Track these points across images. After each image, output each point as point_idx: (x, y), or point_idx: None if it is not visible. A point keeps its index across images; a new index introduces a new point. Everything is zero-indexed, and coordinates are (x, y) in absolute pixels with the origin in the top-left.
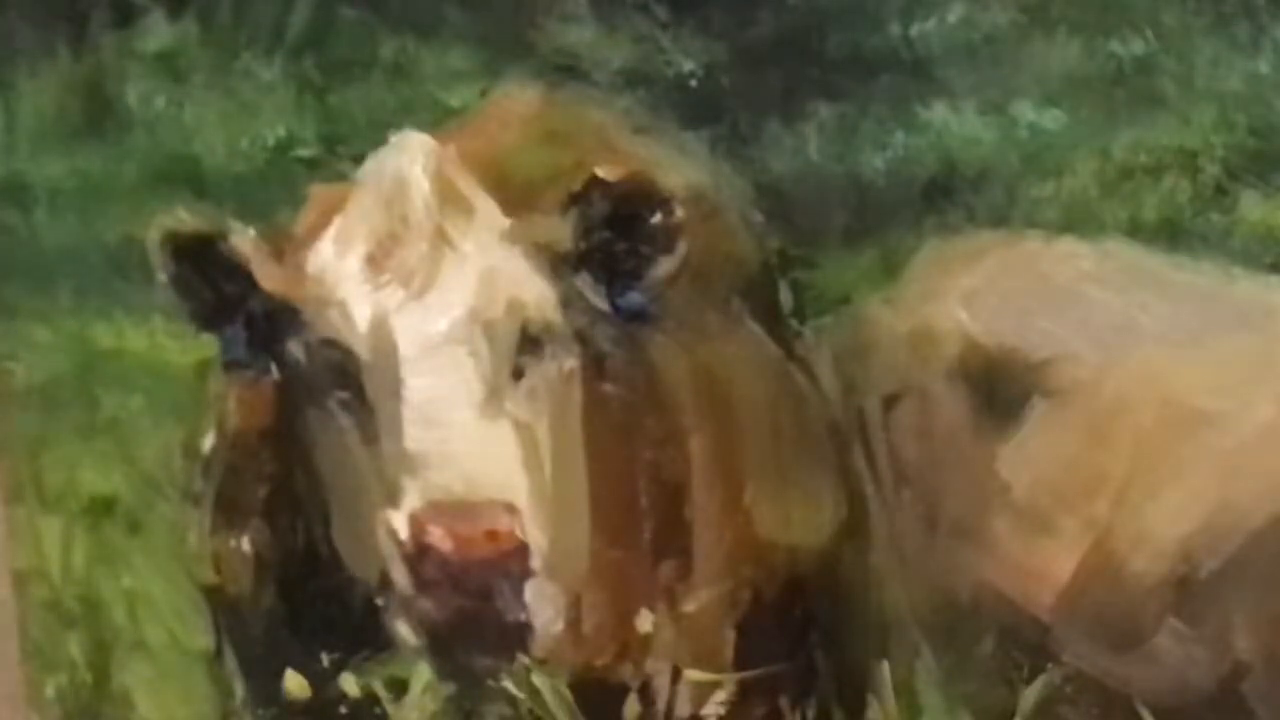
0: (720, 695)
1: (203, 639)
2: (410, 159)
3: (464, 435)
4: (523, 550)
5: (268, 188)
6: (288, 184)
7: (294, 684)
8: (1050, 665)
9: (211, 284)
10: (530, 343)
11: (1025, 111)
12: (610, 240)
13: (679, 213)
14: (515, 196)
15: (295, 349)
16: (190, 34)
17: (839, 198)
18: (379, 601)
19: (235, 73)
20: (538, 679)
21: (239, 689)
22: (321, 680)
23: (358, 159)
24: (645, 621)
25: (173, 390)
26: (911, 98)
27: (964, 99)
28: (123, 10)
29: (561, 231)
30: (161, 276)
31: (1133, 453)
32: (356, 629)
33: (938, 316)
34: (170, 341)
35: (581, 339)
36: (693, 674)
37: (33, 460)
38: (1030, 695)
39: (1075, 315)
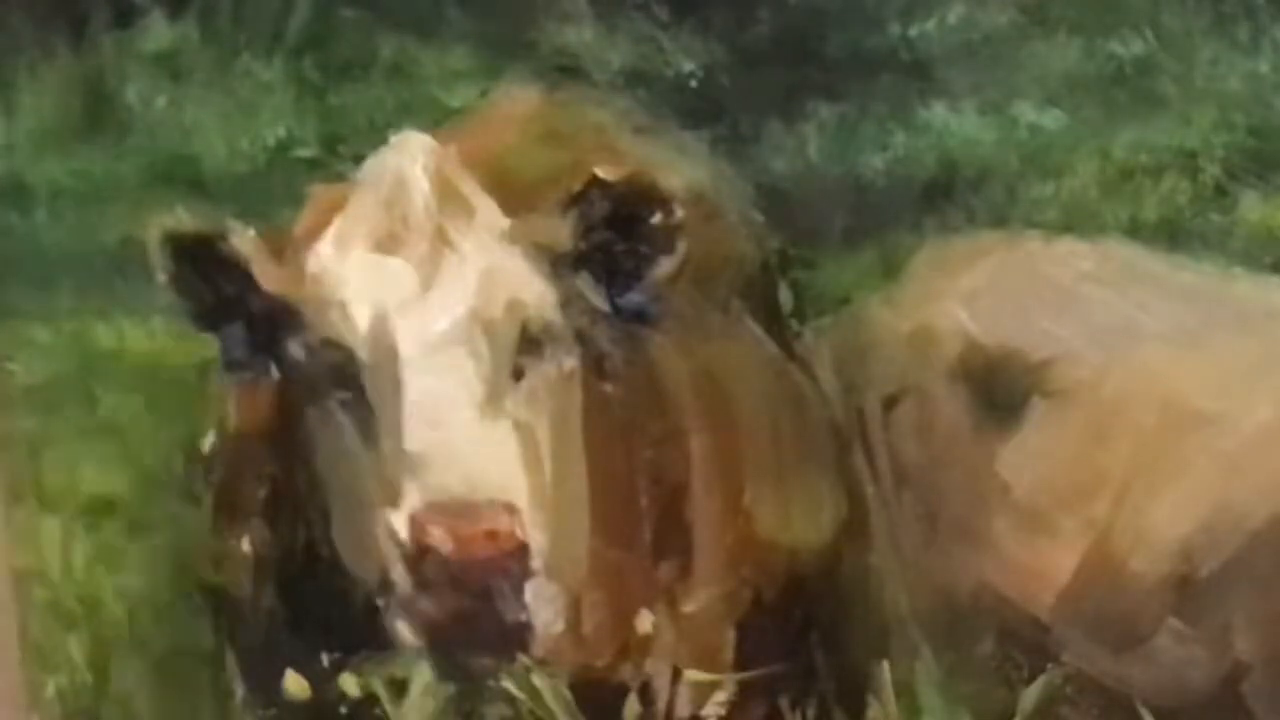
0: (720, 695)
1: (203, 639)
2: (410, 159)
3: (464, 435)
4: (523, 550)
5: (268, 188)
6: (288, 184)
7: (294, 684)
8: (1050, 665)
9: (211, 284)
10: (530, 343)
11: (1025, 111)
12: (610, 240)
13: (679, 213)
14: (515, 196)
15: (295, 349)
16: (190, 34)
17: (839, 198)
18: (379, 601)
19: (235, 73)
20: (538, 679)
21: (239, 689)
22: (321, 680)
23: (358, 159)
24: (645, 621)
25: (173, 390)
26: (911, 98)
27: (964, 99)
28: (123, 10)
29: (561, 231)
30: (161, 276)
31: (1133, 453)
32: (356, 629)
33: (938, 316)
34: (170, 341)
35: (581, 339)
36: (693, 674)
37: (33, 460)
38: (1030, 695)
39: (1075, 315)
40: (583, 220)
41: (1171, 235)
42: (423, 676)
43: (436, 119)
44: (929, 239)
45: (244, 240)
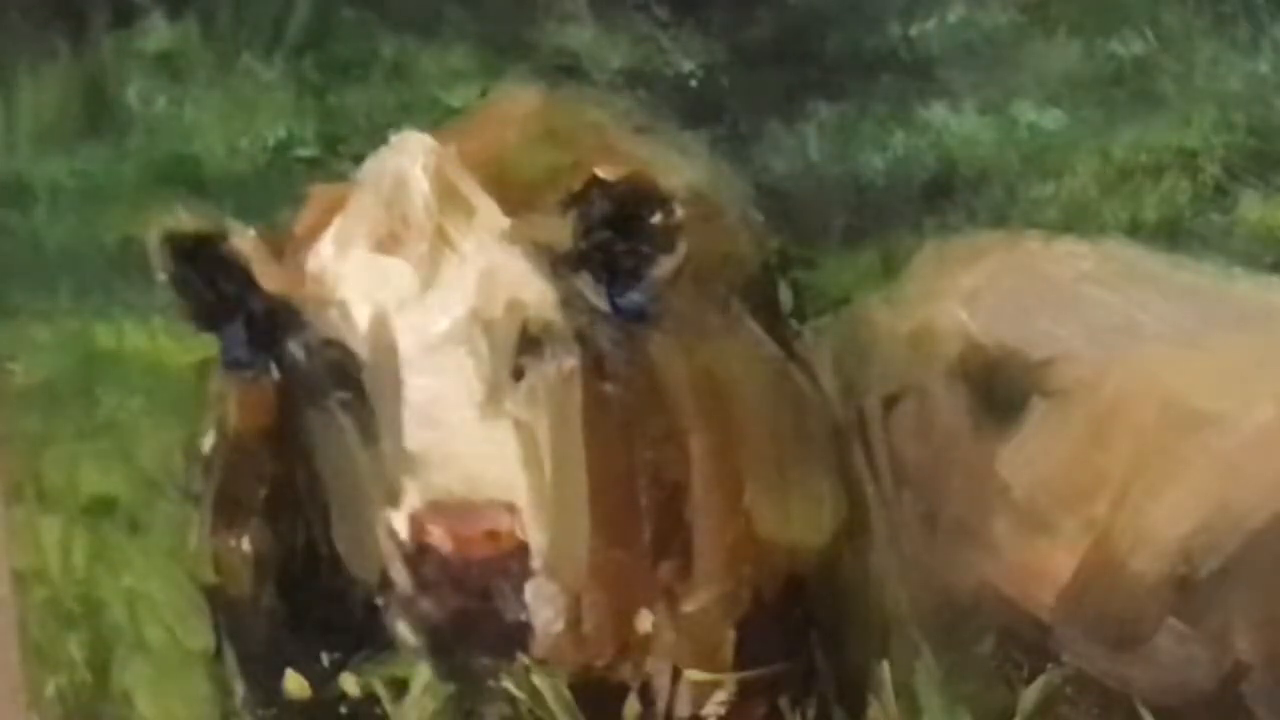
0: (720, 695)
1: (203, 639)
2: (410, 159)
3: (464, 435)
4: (523, 550)
5: (268, 188)
6: (288, 184)
7: (294, 684)
8: (1050, 665)
9: (211, 284)
10: (530, 343)
11: (1025, 111)
12: (610, 240)
13: (679, 213)
14: (515, 196)
15: (295, 349)
16: (190, 34)
17: (839, 198)
18: (379, 601)
19: (235, 73)
20: (538, 679)
21: (239, 689)
22: (321, 680)
23: (358, 159)
24: (645, 621)
25: (173, 390)
26: (911, 98)
27: (964, 99)
28: (123, 10)
29: (561, 231)
30: (161, 276)
31: (1133, 453)
32: (356, 629)
33: (938, 316)
34: (170, 341)
35: (581, 339)
36: (693, 674)
37: (33, 460)
38: (1030, 695)
39: (1075, 315)
40: (583, 220)
41: (1171, 235)
42: (423, 676)
43: (436, 119)
44: (929, 239)
45: (244, 240)
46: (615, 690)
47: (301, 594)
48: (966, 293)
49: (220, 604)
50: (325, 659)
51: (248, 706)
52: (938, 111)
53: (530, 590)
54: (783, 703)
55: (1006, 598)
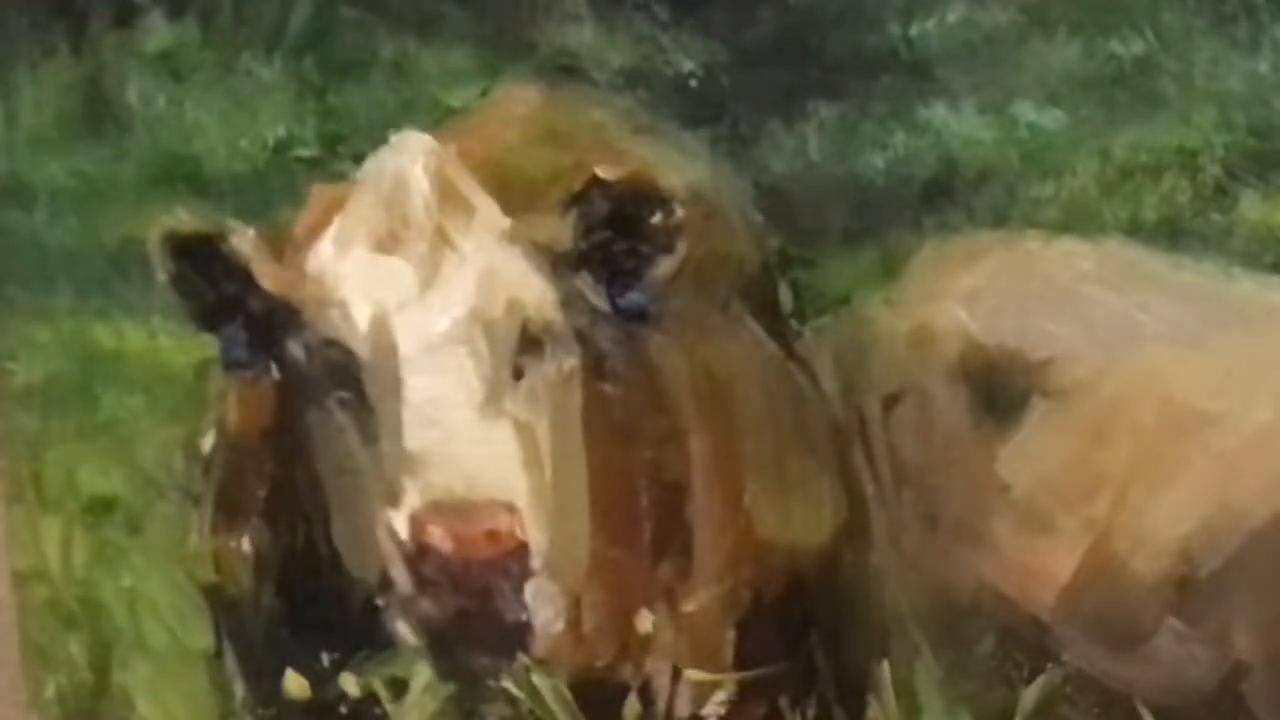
0: (720, 695)
1: (203, 639)
2: (410, 159)
3: (464, 435)
4: (523, 550)
5: (268, 188)
6: (288, 184)
7: (294, 684)
8: (1050, 665)
9: (211, 284)
10: (530, 343)
11: (1025, 111)
12: (610, 240)
13: (679, 213)
14: (515, 196)
15: (295, 349)
16: (190, 34)
17: (839, 198)
18: (379, 601)
19: (235, 73)
20: (538, 679)
21: (239, 689)
22: (321, 680)
23: (358, 159)
24: (645, 621)
25: (173, 390)
26: (911, 98)
27: (964, 99)
28: (123, 10)
29: (561, 231)
30: (161, 276)
31: (1133, 453)
32: (356, 629)
33: (938, 316)
34: (170, 341)
35: (581, 339)
36: (693, 674)
37: (33, 460)
38: (1030, 695)
39: (1075, 315)
40: (583, 220)
41: (1171, 235)
42: (423, 676)
43: (436, 119)
44: (929, 239)
45: (244, 240)
46: (615, 690)
47: (301, 594)
48: (966, 293)
49: (220, 604)
50: (325, 659)
51: (248, 706)
52: (938, 111)
53: (530, 590)
54: (783, 703)
55: (1006, 598)
